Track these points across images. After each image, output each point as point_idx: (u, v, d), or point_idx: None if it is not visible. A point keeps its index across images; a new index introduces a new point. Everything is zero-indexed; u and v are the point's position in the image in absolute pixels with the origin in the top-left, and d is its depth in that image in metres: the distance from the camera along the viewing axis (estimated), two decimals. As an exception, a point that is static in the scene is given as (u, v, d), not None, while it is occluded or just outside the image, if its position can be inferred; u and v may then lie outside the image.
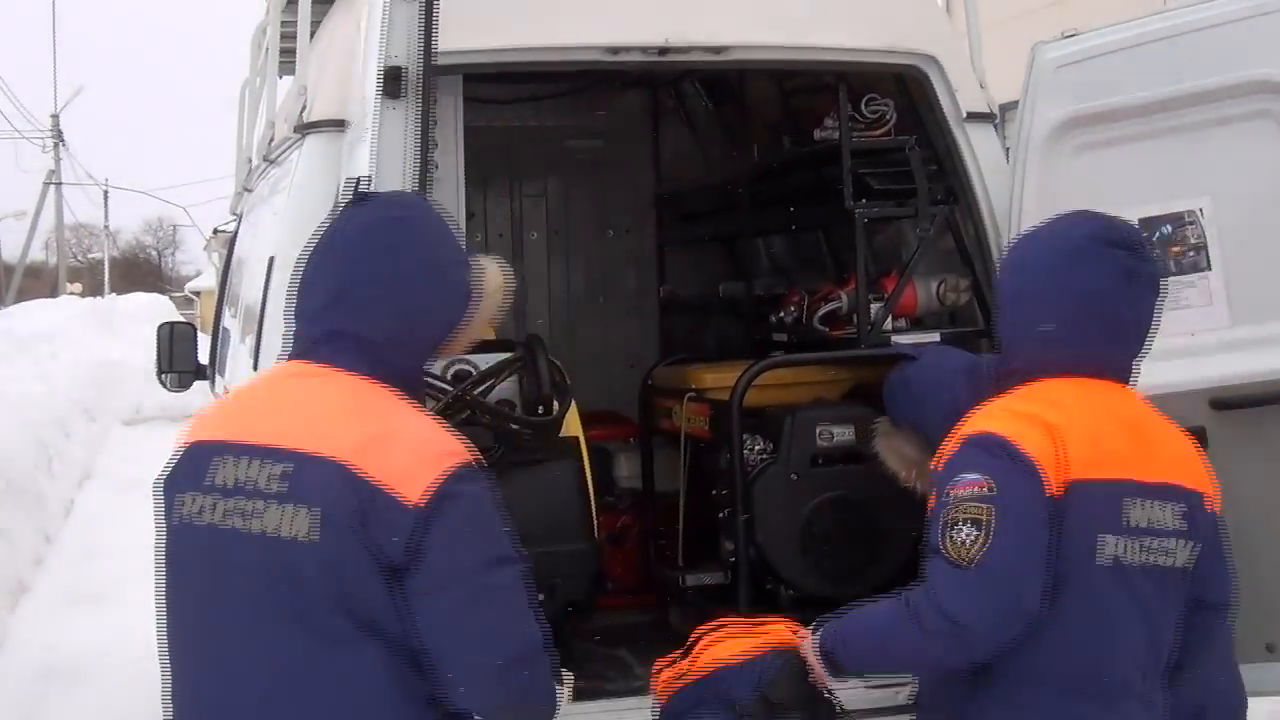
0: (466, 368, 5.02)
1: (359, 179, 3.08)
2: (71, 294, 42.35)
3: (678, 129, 7.11)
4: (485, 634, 2.86)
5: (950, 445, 3.43)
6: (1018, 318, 3.56)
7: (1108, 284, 3.42)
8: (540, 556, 4.77)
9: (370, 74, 4.08)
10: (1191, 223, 4.78)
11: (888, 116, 5.28)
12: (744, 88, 6.49)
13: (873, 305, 5.24)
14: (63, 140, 48.10)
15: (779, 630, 3.81)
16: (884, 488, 5.14)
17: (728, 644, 3.77)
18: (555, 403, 4.97)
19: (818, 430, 5.14)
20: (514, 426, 4.87)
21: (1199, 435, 4.60)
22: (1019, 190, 4.85)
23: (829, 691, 3.70)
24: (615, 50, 4.79)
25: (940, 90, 5.06)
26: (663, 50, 4.81)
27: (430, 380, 4.88)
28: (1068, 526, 3.24)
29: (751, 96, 6.42)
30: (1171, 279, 4.76)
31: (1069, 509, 3.25)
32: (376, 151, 3.76)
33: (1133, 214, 4.77)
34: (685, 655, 3.81)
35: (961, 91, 5.06)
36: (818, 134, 5.39)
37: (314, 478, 2.81)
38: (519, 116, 6.89)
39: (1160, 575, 3.36)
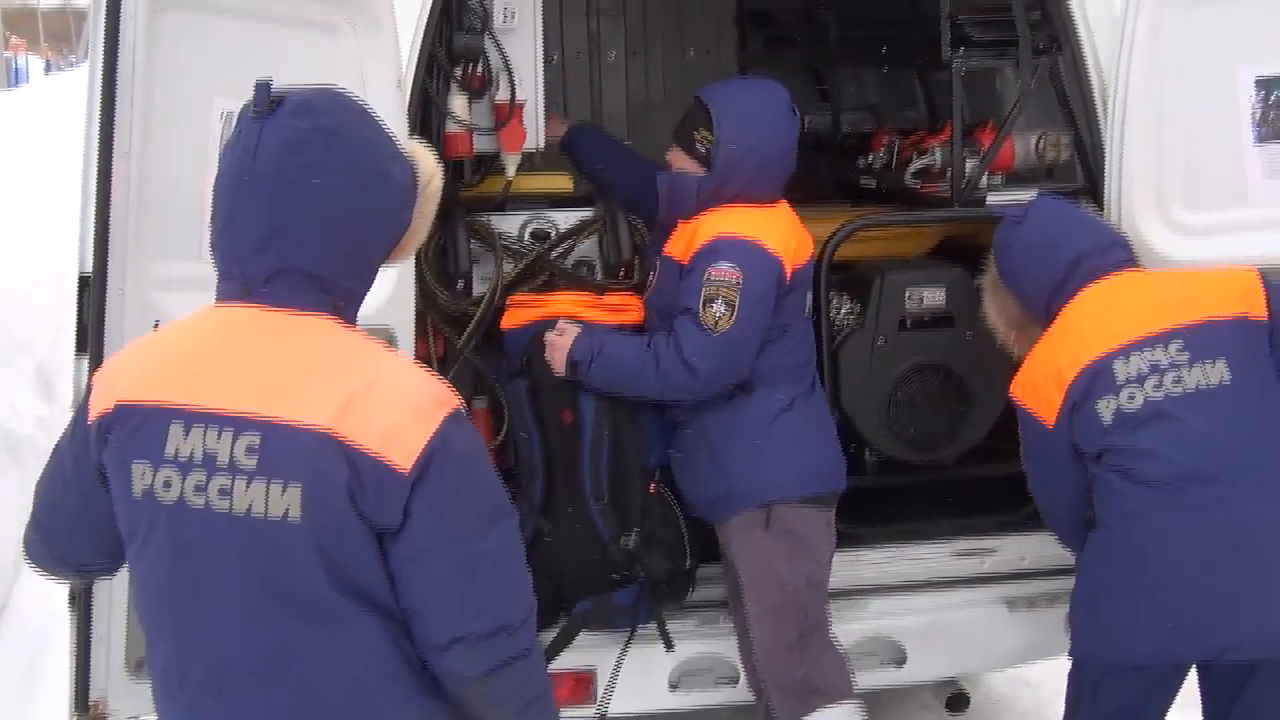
0: (545, 226, 4.87)
1: (265, 81, 2.63)
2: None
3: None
4: (479, 600, 2.64)
5: (704, 238, 4.35)
6: (731, 159, 4.38)
7: (793, 148, 4.49)
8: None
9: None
10: (1314, 85, 4.51)
11: (991, -40, 4.98)
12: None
13: (967, 161, 5.01)
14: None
15: (557, 304, 4.59)
16: (972, 353, 5.01)
17: (517, 313, 4.62)
18: (637, 267, 4.84)
19: (906, 293, 4.96)
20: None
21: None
22: (1129, 42, 4.54)
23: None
24: None
25: (1048, -66, 4.74)
26: None
27: (508, 243, 4.75)
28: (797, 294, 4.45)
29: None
30: (1291, 142, 4.56)
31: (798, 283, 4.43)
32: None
33: (1249, 72, 4.55)
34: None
35: (1070, -64, 4.73)
36: (915, -24, 5.12)
37: (291, 449, 2.53)
38: None
39: None
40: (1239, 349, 3.99)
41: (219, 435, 2.56)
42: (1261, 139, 4.57)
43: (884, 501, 5.02)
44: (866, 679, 4.67)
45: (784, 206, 4.51)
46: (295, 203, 2.62)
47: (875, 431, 4.98)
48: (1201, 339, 3.98)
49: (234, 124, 2.70)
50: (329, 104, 2.70)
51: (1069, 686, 4.17)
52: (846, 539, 4.71)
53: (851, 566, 4.78)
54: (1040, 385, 4.11)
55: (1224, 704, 3.96)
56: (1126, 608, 3.94)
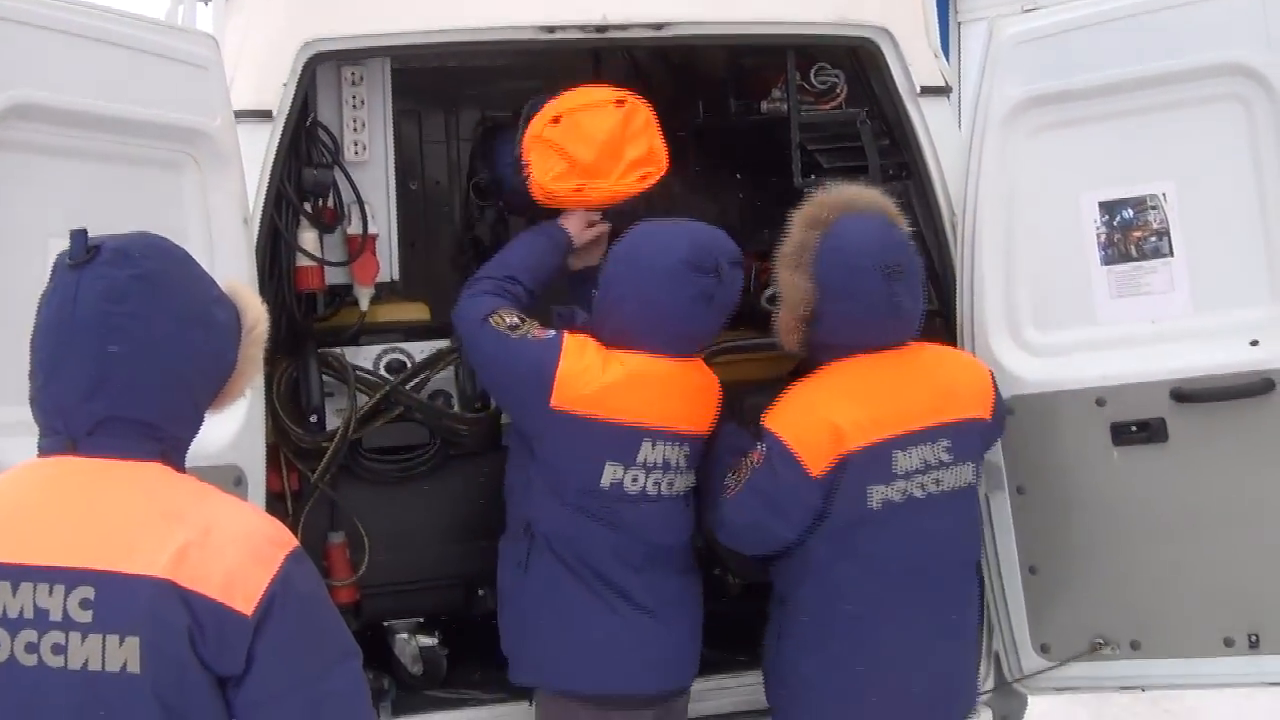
0: (401, 358, 4.83)
1: (81, 230, 2.63)
2: None
3: (621, 67, 6.81)
4: None
5: None
6: (608, 299, 4.26)
7: (683, 306, 4.17)
8: (478, 552, 4.71)
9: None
10: (1154, 207, 4.61)
11: (838, 88, 5.05)
12: (690, 38, 6.21)
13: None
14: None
15: None
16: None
17: None
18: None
19: (765, 417, 4.97)
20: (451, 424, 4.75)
21: (1159, 427, 4.50)
22: (975, 169, 4.67)
23: None
24: (551, 29, 4.58)
25: (893, 63, 4.84)
26: (601, 28, 4.60)
27: (363, 374, 4.70)
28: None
29: (698, 49, 6.15)
30: (1132, 265, 4.63)
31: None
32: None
33: (1093, 197, 4.64)
34: None
35: (915, 65, 4.84)
36: (765, 105, 5.16)
37: (128, 600, 2.48)
38: (455, 57, 6.59)
39: None
40: (977, 453, 4.39)
41: (50, 591, 2.50)
42: (1108, 260, 4.64)
43: (747, 627, 4.98)
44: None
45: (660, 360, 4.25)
46: (118, 351, 2.60)
47: (736, 554, 4.95)
48: (962, 439, 4.28)
49: (50, 273, 2.68)
50: (146, 250, 2.69)
51: None
52: (709, 665, 4.70)
53: (716, 694, 4.78)
54: (815, 436, 4.15)
55: None
56: (840, 704, 4.25)
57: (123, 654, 2.47)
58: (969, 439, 4.31)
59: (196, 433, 2.78)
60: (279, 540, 2.63)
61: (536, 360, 4.16)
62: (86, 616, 2.49)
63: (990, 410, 4.41)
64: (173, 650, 2.48)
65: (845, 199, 4.28)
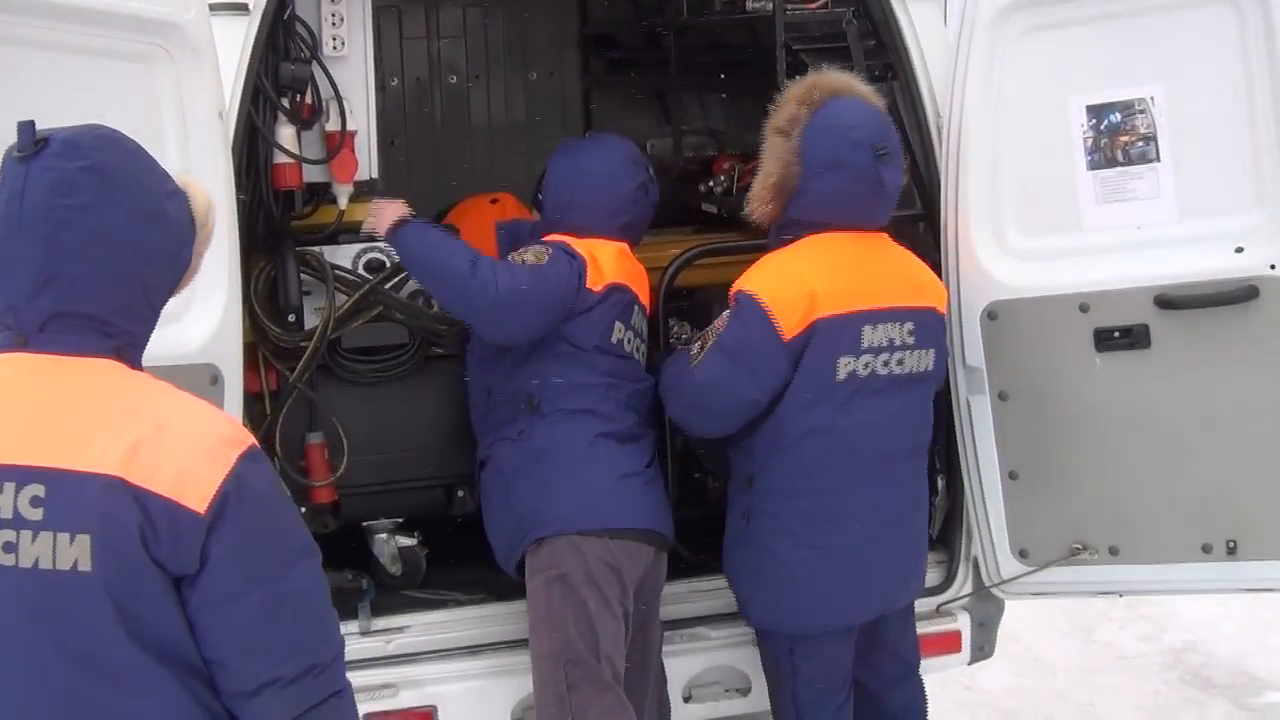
0: (380, 257, 4.78)
1: (28, 122, 2.52)
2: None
3: (606, -35, 6.72)
4: (286, 642, 2.59)
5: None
6: (565, 200, 4.64)
7: (632, 193, 4.63)
8: (457, 453, 4.70)
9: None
10: (1142, 111, 4.55)
11: (825, -14, 4.98)
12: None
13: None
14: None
15: None
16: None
17: None
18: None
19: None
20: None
21: (1142, 334, 4.49)
22: (961, 72, 4.60)
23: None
24: None
25: (880, -38, 4.75)
26: None
27: (342, 273, 4.66)
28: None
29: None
30: (1119, 170, 4.59)
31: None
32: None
33: (1080, 100, 4.58)
34: None
35: (903, -37, 4.75)
36: (750, 5, 5.09)
37: (79, 498, 2.44)
38: None
39: None
40: (941, 340, 4.51)
41: (0, 489, 2.47)
42: (1094, 165, 4.59)
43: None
44: (712, 709, 4.76)
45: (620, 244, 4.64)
46: (68, 246, 2.53)
47: (714, 456, 4.94)
48: (926, 325, 4.41)
49: None
50: (97, 142, 2.60)
51: (764, 658, 4.55)
52: (687, 569, 4.75)
53: (692, 597, 4.81)
54: (791, 301, 4.24)
55: (868, 641, 4.54)
56: (812, 581, 4.32)
57: (73, 552, 2.44)
58: (931, 326, 4.44)
59: (152, 329, 2.72)
60: (232, 439, 2.58)
61: (570, 269, 4.42)
62: (37, 514, 2.45)
63: (945, 308, 4.56)
64: (124, 548, 2.45)
65: (837, 84, 4.40)
